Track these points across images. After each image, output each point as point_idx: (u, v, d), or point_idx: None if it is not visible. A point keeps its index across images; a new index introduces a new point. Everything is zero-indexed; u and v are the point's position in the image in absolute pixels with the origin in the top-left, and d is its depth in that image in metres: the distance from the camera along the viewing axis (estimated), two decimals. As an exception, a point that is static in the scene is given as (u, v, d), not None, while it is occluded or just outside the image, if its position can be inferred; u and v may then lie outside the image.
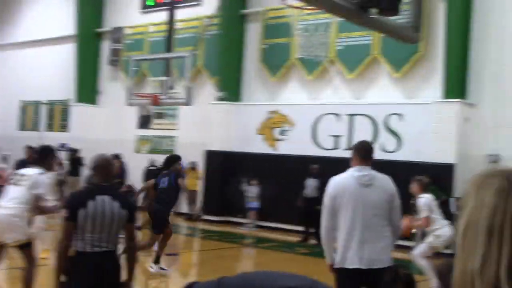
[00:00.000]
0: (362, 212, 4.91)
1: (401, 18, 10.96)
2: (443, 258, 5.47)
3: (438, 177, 12.39)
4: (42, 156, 6.60)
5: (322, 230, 5.09)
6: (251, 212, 16.03)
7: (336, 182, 5.07)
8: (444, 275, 3.25)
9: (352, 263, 4.86)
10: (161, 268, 9.52)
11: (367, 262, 4.83)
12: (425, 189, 8.67)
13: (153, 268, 9.46)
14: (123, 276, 4.51)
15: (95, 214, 4.29)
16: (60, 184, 21.04)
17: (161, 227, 9.41)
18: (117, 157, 16.90)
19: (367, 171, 5.01)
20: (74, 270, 4.31)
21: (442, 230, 8.61)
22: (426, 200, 8.47)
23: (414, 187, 8.60)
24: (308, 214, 13.90)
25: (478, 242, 1.23)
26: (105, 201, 4.34)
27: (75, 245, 4.34)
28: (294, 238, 14.62)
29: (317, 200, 13.74)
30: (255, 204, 15.96)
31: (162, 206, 9.42)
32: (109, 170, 4.59)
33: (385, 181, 5.09)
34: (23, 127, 24.19)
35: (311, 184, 13.92)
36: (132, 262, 4.55)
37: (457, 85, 13.57)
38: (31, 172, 6.30)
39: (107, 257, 4.36)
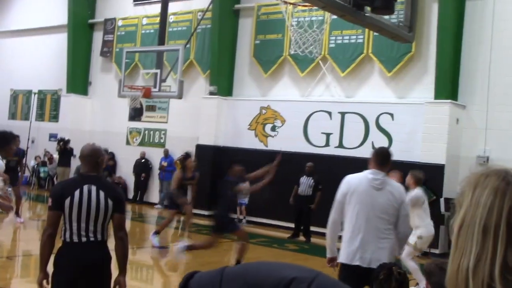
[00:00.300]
0: (368, 213, 5.15)
1: (396, 18, 11.01)
2: (431, 258, 5.50)
3: (427, 178, 12.43)
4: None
5: (328, 223, 5.34)
6: (240, 208, 16.03)
7: (350, 180, 5.33)
8: (433, 274, 3.27)
9: (353, 260, 5.11)
10: None
11: (368, 261, 5.05)
12: (417, 184, 8.69)
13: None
14: (113, 268, 4.49)
15: (81, 204, 4.26)
16: (53, 176, 21.03)
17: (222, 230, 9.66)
18: (105, 152, 16.83)
19: (381, 176, 5.28)
20: (61, 260, 4.28)
21: (424, 230, 8.61)
22: (415, 194, 8.50)
23: (409, 179, 8.64)
24: (300, 211, 13.94)
25: (472, 241, 1.24)
26: (91, 191, 4.31)
27: (63, 235, 4.33)
28: (284, 234, 14.67)
29: (311, 198, 13.75)
30: (244, 201, 15.97)
31: (223, 209, 9.65)
32: (97, 160, 4.50)
33: (396, 189, 5.36)
34: (13, 116, 24.04)
35: (304, 182, 13.93)
36: (122, 253, 4.48)
37: (448, 86, 13.63)
38: None
39: (95, 247, 4.32)
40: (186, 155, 12.59)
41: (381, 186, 5.24)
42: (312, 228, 14.98)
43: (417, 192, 8.59)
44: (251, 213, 16.22)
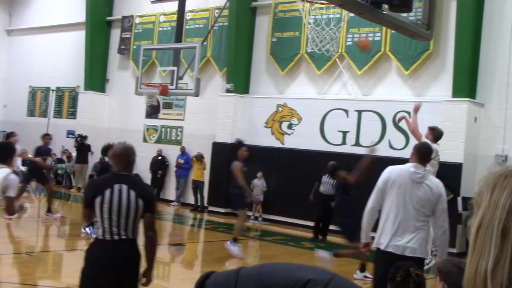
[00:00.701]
0: (406, 203, 5.43)
1: (414, 15, 10.94)
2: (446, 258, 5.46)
3: (445, 176, 12.35)
4: (4, 154, 5.53)
5: (367, 209, 5.59)
6: (256, 205, 16.05)
7: (392, 170, 5.62)
8: (451, 274, 3.22)
9: (388, 247, 5.39)
10: (365, 277, 9.30)
11: (401, 249, 5.35)
12: None
13: (357, 275, 9.52)
14: (143, 265, 4.56)
15: (111, 203, 4.33)
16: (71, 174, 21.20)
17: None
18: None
19: (422, 171, 5.55)
20: (92, 255, 4.38)
21: None
22: None
23: None
24: (324, 210, 13.47)
25: (491, 243, 1.23)
26: (122, 190, 4.37)
27: (96, 232, 4.40)
28: (300, 232, 14.66)
29: (333, 197, 13.35)
30: (259, 197, 15.98)
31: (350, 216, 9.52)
32: (129, 159, 4.55)
33: (435, 184, 5.59)
34: (32, 113, 24.26)
35: (326, 181, 13.55)
36: (151, 251, 4.57)
37: (466, 84, 13.51)
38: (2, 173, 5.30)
39: (125, 244, 4.39)
40: (239, 143, 11.54)
41: (421, 180, 5.49)
42: (330, 227, 14.96)
43: None
44: (267, 211, 16.22)
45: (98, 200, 4.34)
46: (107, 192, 4.34)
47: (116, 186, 4.37)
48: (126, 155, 4.54)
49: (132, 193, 4.38)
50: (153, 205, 4.57)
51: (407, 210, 5.42)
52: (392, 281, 3.65)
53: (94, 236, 4.55)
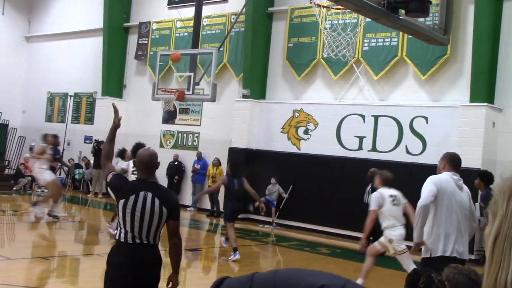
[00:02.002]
0: (457, 210, 5.78)
1: (431, 20, 10.88)
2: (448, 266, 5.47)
3: (463, 182, 12.25)
4: None
5: (420, 209, 5.75)
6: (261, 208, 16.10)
7: (438, 180, 5.89)
8: (460, 285, 3.13)
9: (452, 252, 5.64)
10: None
11: (461, 253, 5.67)
12: (384, 184, 8.65)
13: None
14: (165, 271, 4.58)
15: (134, 210, 4.35)
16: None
17: None
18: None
19: (459, 177, 5.97)
20: (115, 258, 4.40)
21: (393, 232, 8.54)
22: (375, 195, 8.53)
23: (377, 179, 8.85)
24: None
25: (510, 254, 1.19)
26: (147, 198, 4.39)
27: (118, 234, 4.43)
28: (315, 238, 14.62)
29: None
30: (273, 202, 16.00)
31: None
32: (154, 165, 4.59)
33: (467, 189, 6.07)
34: (50, 118, 24.47)
35: (367, 189, 12.78)
36: (176, 257, 4.61)
37: (484, 89, 13.40)
38: None
39: (146, 249, 4.40)
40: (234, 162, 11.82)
41: (462, 186, 5.95)
42: (344, 232, 14.91)
43: (380, 191, 8.54)
44: (282, 216, 16.19)
45: (122, 202, 4.37)
46: (132, 198, 4.37)
47: (141, 194, 4.39)
48: (153, 162, 4.58)
49: (157, 201, 4.40)
50: (177, 212, 4.57)
51: (459, 217, 5.78)
52: (412, 287, 3.56)
53: (114, 233, 4.60)
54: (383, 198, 8.51)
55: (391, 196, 8.60)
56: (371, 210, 8.51)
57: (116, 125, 4.65)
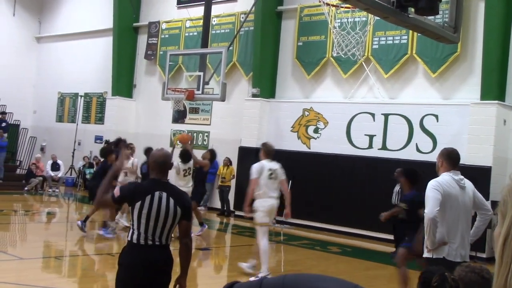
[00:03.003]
0: (460, 214, 5.58)
1: (440, 18, 10.83)
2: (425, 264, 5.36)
3: (474, 180, 12.17)
4: None
5: (428, 221, 5.47)
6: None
7: (441, 183, 5.58)
8: (475, 285, 3.09)
9: (455, 257, 5.46)
10: None
11: (464, 256, 5.52)
12: (267, 156, 9.33)
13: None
14: (175, 271, 4.58)
15: (150, 210, 4.35)
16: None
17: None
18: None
19: (461, 176, 5.69)
20: (127, 259, 4.39)
21: (264, 203, 9.07)
22: (256, 165, 9.17)
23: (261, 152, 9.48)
24: (394, 223, 10.99)
25: None
26: (162, 197, 4.40)
27: (130, 235, 4.43)
28: (326, 236, 14.61)
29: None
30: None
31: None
32: (168, 166, 4.60)
33: (470, 185, 5.75)
34: (61, 118, 24.59)
35: (394, 189, 12.43)
36: (186, 258, 4.60)
37: (494, 86, 13.33)
38: None
39: (159, 250, 4.42)
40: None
41: (464, 185, 5.65)
42: (355, 231, 14.90)
43: (262, 163, 9.19)
44: (293, 215, 16.15)
45: (138, 205, 4.36)
46: (148, 198, 4.37)
47: (157, 193, 4.39)
48: (167, 162, 4.60)
49: (172, 201, 4.41)
50: (190, 212, 4.59)
51: (463, 219, 5.58)
52: (426, 286, 3.52)
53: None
54: (262, 169, 9.13)
55: (270, 169, 9.23)
56: (252, 179, 9.10)
57: (116, 170, 4.62)
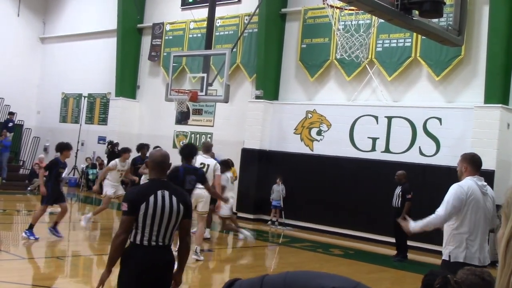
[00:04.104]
0: (481, 217, 5.58)
1: (445, 21, 10.82)
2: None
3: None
4: None
5: (437, 218, 5.51)
6: (274, 210, 16.20)
7: (464, 187, 5.58)
8: (470, 286, 3.07)
9: (472, 260, 5.45)
10: None
11: (483, 260, 5.52)
12: (204, 151, 10.78)
13: None
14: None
15: (155, 210, 4.35)
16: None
17: None
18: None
19: (484, 182, 5.70)
20: (130, 260, 4.36)
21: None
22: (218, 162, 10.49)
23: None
24: (395, 225, 11.01)
25: None
26: (165, 196, 4.41)
27: (133, 237, 4.40)
28: (328, 239, 14.59)
29: (400, 210, 11.80)
30: (278, 202, 16.07)
31: None
32: (167, 165, 4.63)
33: (492, 192, 5.78)
34: (64, 119, 24.63)
35: (395, 192, 12.42)
36: (185, 255, 4.65)
37: (498, 90, 13.31)
38: None
39: (162, 251, 4.42)
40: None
41: (486, 191, 5.66)
42: (357, 233, 14.88)
43: (197, 156, 10.30)
44: (294, 217, 16.18)
45: (143, 206, 4.34)
46: (151, 199, 4.37)
47: (159, 193, 4.40)
48: (166, 162, 4.62)
49: (174, 199, 4.44)
50: (190, 211, 4.63)
51: (483, 224, 5.59)
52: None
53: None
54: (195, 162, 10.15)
55: (202, 164, 10.26)
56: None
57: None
